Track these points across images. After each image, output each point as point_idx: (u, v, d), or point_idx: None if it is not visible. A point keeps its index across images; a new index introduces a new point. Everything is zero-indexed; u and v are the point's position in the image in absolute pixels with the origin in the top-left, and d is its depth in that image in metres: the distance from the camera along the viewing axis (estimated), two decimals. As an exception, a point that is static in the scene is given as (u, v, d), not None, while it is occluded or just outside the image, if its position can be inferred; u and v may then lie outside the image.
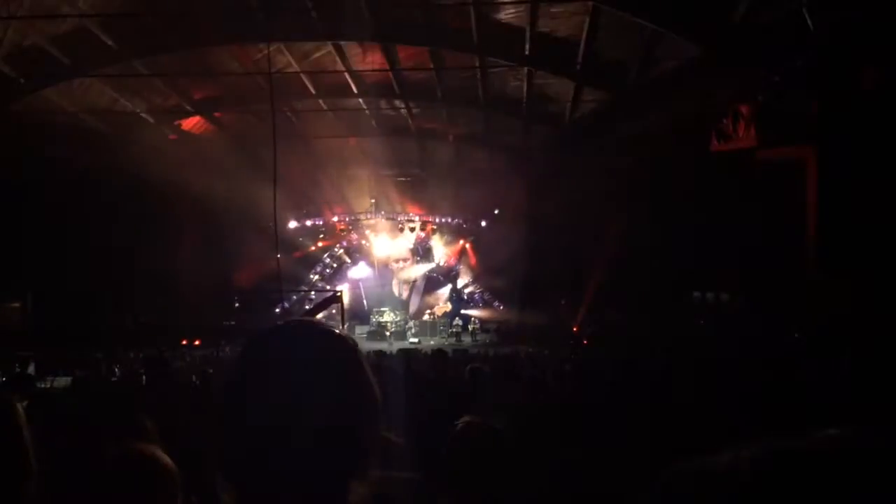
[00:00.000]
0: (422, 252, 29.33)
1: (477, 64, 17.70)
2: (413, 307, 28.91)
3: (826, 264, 11.78)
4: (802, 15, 11.19)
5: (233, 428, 0.99)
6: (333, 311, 21.00)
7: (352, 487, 1.01)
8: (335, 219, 28.52)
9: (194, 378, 8.08)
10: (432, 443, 2.06)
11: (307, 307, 23.35)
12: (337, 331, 1.09)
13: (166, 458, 1.77)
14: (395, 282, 29.51)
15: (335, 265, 29.48)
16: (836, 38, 10.94)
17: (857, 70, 10.78)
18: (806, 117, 11.79)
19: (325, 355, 1.02)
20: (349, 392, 1.01)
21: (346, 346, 1.06)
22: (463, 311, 27.77)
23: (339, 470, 0.99)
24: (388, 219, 28.46)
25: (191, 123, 22.19)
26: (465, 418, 2.04)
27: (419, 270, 29.50)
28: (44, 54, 15.98)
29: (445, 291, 29.04)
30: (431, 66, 18.15)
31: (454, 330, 26.17)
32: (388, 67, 18.25)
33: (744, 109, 12.94)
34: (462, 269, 29.13)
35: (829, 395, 4.87)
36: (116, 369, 11.20)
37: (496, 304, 27.90)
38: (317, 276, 28.86)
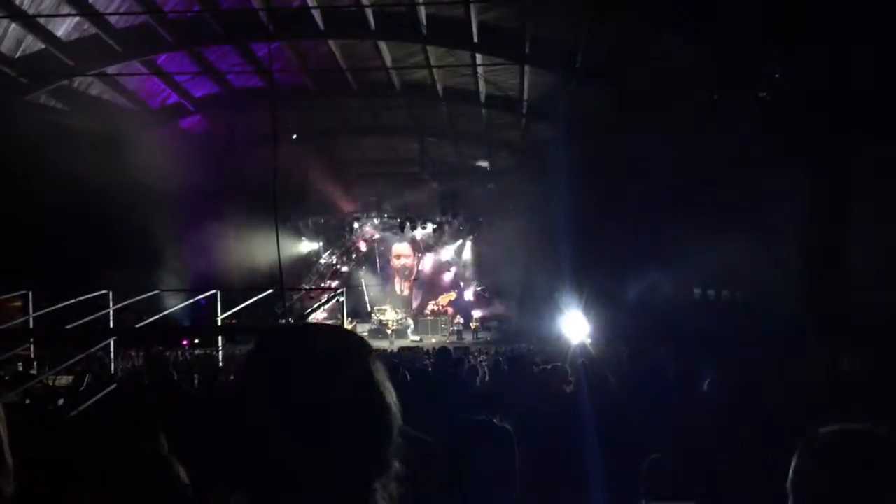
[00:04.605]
0: (423, 249, 29.31)
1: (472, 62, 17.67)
2: (415, 305, 28.89)
3: (826, 260, 11.78)
4: (800, 12, 11.19)
5: (246, 430, 0.97)
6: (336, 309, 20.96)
7: (376, 487, 0.99)
8: (337, 217, 28.48)
9: (195, 378, 8.08)
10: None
11: (308, 306, 23.32)
12: (350, 331, 1.10)
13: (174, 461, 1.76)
14: (396, 279, 29.49)
15: (337, 263, 29.46)
16: (833, 34, 10.93)
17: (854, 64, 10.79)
18: (805, 113, 11.80)
19: (338, 356, 1.01)
20: (364, 392, 1.00)
21: (360, 346, 1.06)
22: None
23: (358, 471, 0.97)
24: (390, 217, 28.43)
25: (191, 122, 22.18)
26: (481, 417, 2.02)
27: (421, 268, 29.49)
28: (44, 54, 15.96)
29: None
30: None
31: (455, 328, 26.16)
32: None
33: (741, 106, 12.94)
34: (464, 266, 29.08)
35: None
36: (118, 368, 11.21)
37: (498, 301, 27.84)
38: (317, 276, 28.83)
